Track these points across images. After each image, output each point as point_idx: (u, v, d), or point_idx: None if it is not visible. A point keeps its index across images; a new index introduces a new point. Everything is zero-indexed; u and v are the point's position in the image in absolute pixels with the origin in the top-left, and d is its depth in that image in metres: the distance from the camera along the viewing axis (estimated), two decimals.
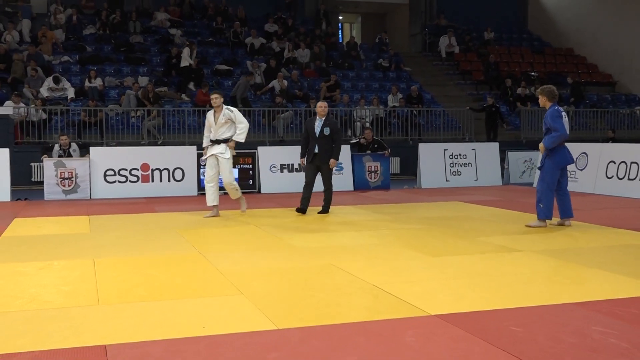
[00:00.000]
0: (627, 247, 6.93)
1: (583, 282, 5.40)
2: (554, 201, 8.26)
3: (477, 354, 3.69)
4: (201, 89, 17.31)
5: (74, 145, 12.98)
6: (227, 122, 9.29)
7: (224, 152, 9.34)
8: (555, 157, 8.13)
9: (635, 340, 3.89)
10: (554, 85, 8.71)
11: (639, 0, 22.27)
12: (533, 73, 22.49)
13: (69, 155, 12.75)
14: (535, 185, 8.43)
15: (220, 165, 9.37)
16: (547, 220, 8.28)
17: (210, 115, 9.50)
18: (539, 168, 8.36)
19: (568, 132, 8.14)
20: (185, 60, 18.44)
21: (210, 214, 9.51)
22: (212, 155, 9.39)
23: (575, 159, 13.39)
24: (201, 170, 11.58)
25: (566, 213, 8.35)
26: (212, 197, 9.42)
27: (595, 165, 13.04)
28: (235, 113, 9.37)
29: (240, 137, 9.35)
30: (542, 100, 8.31)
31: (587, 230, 8.11)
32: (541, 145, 8.21)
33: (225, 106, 9.36)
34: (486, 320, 4.30)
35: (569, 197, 8.35)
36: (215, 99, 9.27)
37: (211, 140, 9.43)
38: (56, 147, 12.98)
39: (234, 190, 9.61)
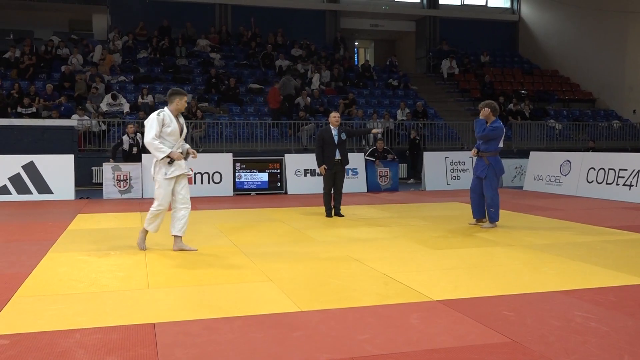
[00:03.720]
0: (605, 243, 6.82)
1: (566, 273, 5.32)
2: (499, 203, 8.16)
3: (474, 334, 3.65)
4: (274, 86, 17.76)
5: (139, 135, 12.81)
6: None
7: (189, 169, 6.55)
8: (496, 168, 8.04)
9: (613, 324, 3.83)
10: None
11: (615, 29, 22.13)
12: (523, 91, 22.28)
13: (137, 142, 12.77)
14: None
15: (183, 181, 6.56)
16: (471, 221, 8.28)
17: (171, 117, 6.21)
18: (483, 178, 8.03)
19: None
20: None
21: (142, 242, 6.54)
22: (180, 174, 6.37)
23: (559, 166, 13.45)
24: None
25: (482, 214, 8.23)
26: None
27: (578, 171, 12.91)
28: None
29: None
30: (486, 113, 7.98)
31: (569, 228, 8.01)
32: (485, 155, 7.98)
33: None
34: (481, 305, 4.26)
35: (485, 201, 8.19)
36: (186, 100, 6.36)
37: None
38: (125, 137, 12.92)
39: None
